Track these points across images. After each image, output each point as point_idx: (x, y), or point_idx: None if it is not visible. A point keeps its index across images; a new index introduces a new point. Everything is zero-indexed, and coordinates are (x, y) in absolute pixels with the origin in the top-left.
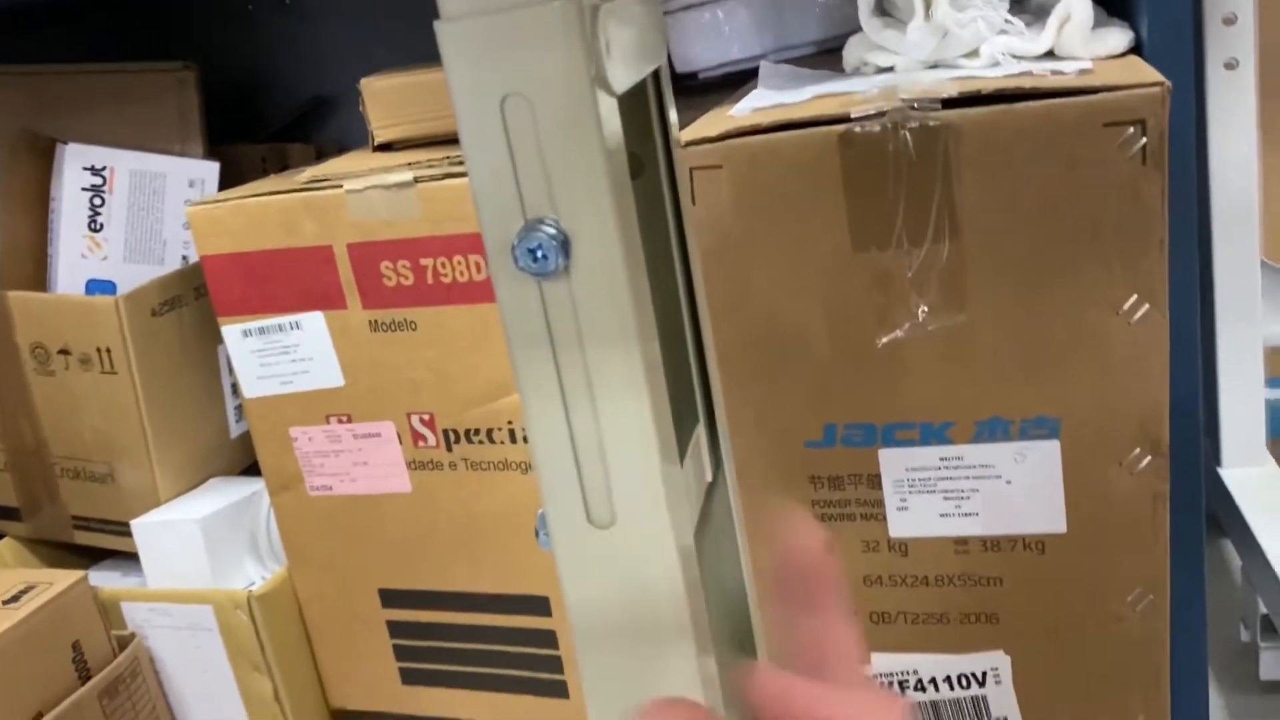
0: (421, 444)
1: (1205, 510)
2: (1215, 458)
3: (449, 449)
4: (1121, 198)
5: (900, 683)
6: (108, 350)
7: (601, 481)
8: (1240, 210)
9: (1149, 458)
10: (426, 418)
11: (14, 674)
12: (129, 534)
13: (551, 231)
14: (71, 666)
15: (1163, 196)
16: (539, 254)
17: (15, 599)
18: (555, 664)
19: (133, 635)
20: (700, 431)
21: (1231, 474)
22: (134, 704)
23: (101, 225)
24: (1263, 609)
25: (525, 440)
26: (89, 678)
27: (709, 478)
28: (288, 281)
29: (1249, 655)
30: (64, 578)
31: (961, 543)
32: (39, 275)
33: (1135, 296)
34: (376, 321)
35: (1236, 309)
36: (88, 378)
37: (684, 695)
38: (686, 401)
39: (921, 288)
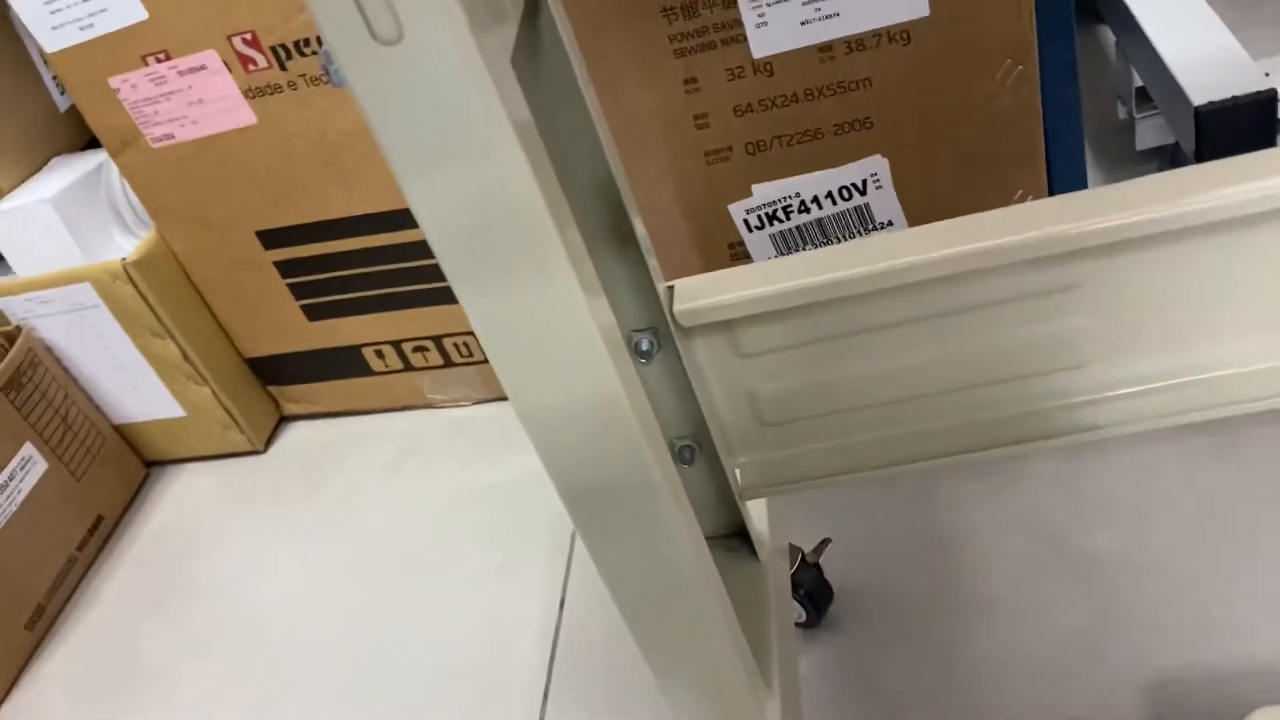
0: (252, 68)
1: None
2: None
3: (283, 68)
4: None
5: (784, 209)
6: None
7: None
8: None
9: None
10: (249, 37)
11: None
12: None
13: None
14: None
15: None
16: None
17: None
18: None
19: (19, 329)
20: None
21: None
22: (43, 393)
23: None
24: (1138, 82)
25: None
26: None
27: None
28: None
29: (1126, 130)
30: None
31: (825, 49)
32: None
33: None
34: None
35: None
36: None
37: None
38: None
39: None
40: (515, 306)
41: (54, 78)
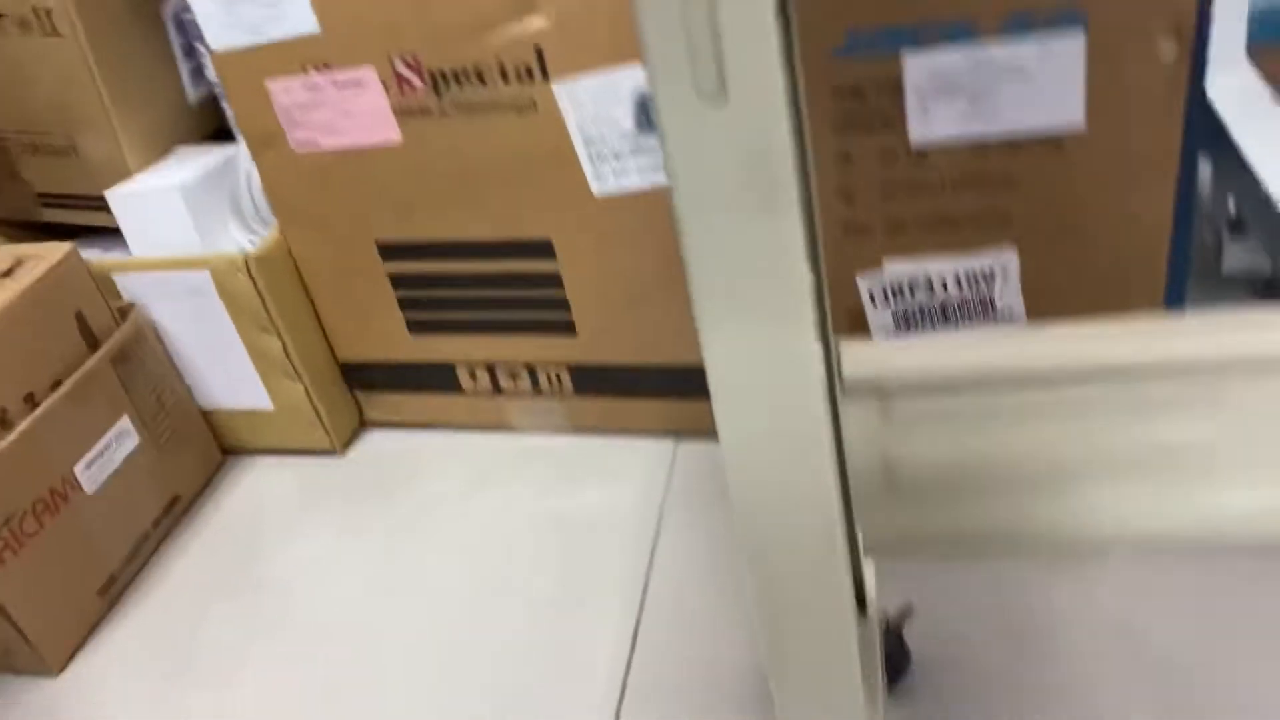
0: (408, 90)
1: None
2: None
3: (438, 94)
4: None
5: (910, 287)
6: (47, 11)
7: (710, 50)
8: None
9: (1174, 46)
10: (411, 60)
11: (24, 343)
12: (101, 209)
13: None
14: (79, 337)
15: None
16: None
17: (9, 272)
18: (562, 305)
19: (132, 305)
20: None
21: (1211, 81)
22: (145, 370)
23: None
24: (1232, 210)
25: (519, 79)
26: (98, 346)
27: None
28: None
29: (1212, 253)
30: (54, 250)
31: (980, 145)
32: None
33: None
34: None
35: None
36: (31, 44)
37: (781, 264)
38: None
39: None
40: (754, 348)
41: (192, 70)
